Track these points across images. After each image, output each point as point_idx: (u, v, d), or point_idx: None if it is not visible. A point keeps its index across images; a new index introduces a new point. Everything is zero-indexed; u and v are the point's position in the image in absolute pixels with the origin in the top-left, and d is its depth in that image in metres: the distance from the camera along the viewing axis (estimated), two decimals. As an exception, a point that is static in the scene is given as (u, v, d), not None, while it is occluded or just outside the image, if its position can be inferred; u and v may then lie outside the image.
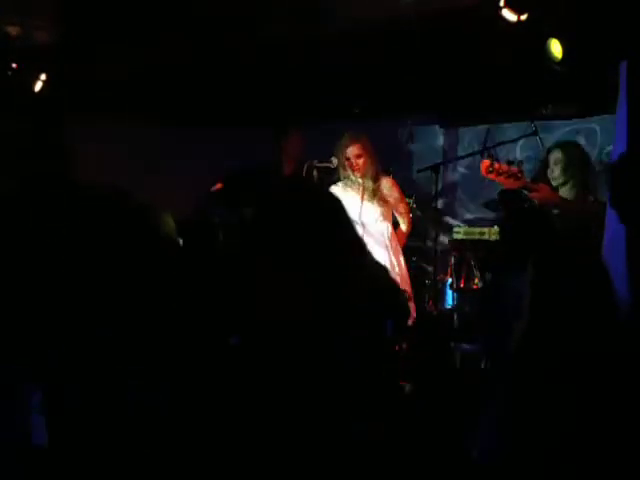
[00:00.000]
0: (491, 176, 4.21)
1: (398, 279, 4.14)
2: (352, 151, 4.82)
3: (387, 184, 4.93)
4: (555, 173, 4.52)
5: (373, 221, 4.81)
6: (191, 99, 6.41)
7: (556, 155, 4.56)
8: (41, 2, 5.48)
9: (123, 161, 6.29)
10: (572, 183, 4.51)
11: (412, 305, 4.70)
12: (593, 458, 1.70)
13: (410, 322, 4.67)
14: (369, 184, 4.83)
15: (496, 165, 4.16)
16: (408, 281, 4.92)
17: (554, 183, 4.52)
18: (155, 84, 6.13)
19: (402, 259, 4.90)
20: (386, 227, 4.86)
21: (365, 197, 4.84)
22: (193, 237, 2.75)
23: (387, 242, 4.82)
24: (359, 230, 4.64)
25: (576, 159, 4.55)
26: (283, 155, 6.18)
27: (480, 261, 5.87)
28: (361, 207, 4.82)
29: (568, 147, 4.69)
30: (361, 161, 4.82)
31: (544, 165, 4.67)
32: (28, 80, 5.72)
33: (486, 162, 4.21)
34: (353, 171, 4.84)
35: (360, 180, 4.86)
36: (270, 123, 6.49)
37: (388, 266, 4.37)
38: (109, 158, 6.22)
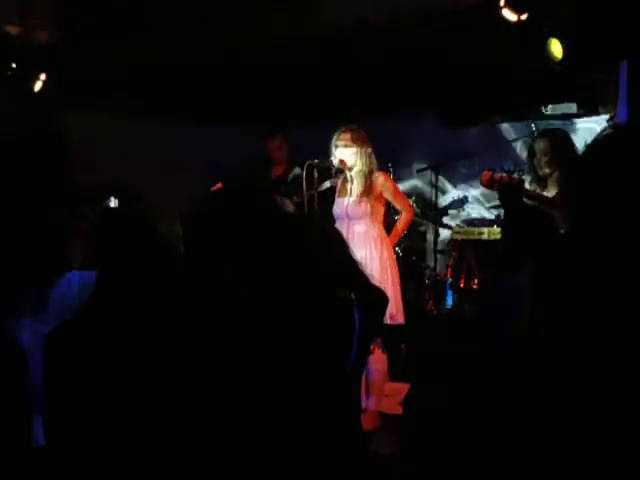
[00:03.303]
0: (492, 189, 4.20)
1: (374, 273, 3.88)
2: (341, 142, 4.70)
3: (381, 179, 4.73)
4: (542, 163, 4.36)
5: (359, 216, 4.67)
6: (190, 98, 6.42)
7: (543, 144, 4.39)
8: (41, 2, 5.48)
9: (123, 161, 6.28)
10: (559, 175, 4.30)
11: (400, 303, 4.63)
12: (593, 458, 1.70)
13: (403, 321, 4.62)
14: (359, 178, 4.67)
15: (497, 177, 4.10)
16: (396, 279, 4.72)
17: (540, 173, 4.38)
18: (155, 84, 6.13)
19: (389, 256, 4.72)
20: (374, 225, 4.70)
21: (353, 192, 4.71)
22: (196, 237, 2.74)
23: (371, 238, 4.65)
24: (344, 224, 4.63)
25: (563, 148, 4.33)
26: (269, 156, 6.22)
27: (480, 261, 5.87)
28: (348, 201, 4.70)
29: (555, 135, 4.51)
30: (348, 151, 4.66)
31: (531, 154, 4.48)
32: (28, 80, 5.71)
33: (487, 174, 4.14)
34: (342, 162, 4.67)
35: (348, 173, 4.72)
36: (269, 122, 6.51)
37: (367, 261, 4.28)
38: (108, 158, 6.21)
